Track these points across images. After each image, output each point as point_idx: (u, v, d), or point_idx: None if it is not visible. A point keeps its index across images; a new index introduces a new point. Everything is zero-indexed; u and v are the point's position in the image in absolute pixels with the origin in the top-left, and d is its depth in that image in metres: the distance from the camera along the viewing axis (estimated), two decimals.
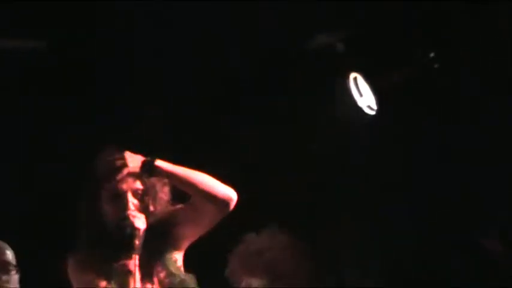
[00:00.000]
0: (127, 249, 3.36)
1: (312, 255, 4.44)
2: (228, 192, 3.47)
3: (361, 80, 5.16)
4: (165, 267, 3.44)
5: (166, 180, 3.50)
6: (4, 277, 4.04)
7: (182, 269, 3.49)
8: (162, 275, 3.42)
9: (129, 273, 3.35)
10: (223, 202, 3.45)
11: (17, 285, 4.03)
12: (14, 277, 4.03)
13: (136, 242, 3.35)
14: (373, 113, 5.16)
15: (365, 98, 5.17)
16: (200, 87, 5.29)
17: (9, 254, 4.09)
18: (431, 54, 4.90)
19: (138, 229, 3.38)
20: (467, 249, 5.20)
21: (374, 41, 5.07)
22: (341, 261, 5.41)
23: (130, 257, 3.36)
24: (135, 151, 3.49)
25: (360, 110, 5.16)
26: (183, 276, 3.44)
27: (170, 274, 3.43)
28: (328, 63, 5.21)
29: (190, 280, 3.46)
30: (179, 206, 3.55)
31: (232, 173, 3.66)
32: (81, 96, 5.28)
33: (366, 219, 5.42)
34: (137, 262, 3.36)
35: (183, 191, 3.51)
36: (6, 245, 4.11)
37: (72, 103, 5.26)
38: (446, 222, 5.22)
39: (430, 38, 4.98)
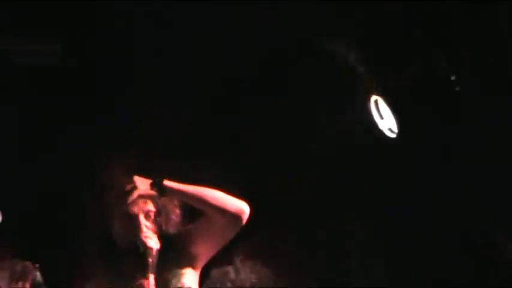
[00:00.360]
0: (142, 269, 3.36)
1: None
2: (240, 206, 3.47)
3: (382, 103, 5.16)
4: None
5: (177, 202, 3.53)
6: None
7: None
8: None
9: None
10: (235, 216, 3.45)
11: None
12: None
13: (150, 260, 3.36)
14: (394, 135, 5.15)
15: (386, 120, 5.18)
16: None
17: (39, 275, 4.12)
18: (453, 78, 4.90)
19: (151, 248, 3.38)
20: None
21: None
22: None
23: (146, 277, 3.36)
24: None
25: (381, 132, 5.16)
26: None
27: None
28: (349, 84, 5.20)
29: None
30: (191, 225, 3.56)
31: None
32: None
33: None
34: (153, 282, 3.35)
35: (194, 209, 3.51)
36: (35, 266, 4.13)
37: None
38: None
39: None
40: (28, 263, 4.20)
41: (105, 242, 3.46)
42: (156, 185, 3.42)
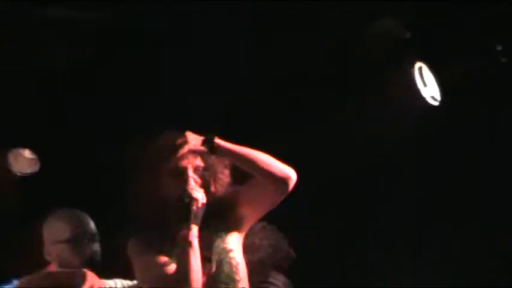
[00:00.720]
0: (185, 219, 3.35)
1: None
2: (288, 172, 3.47)
3: (426, 70, 5.18)
4: (217, 254, 3.46)
5: (226, 163, 3.52)
6: (94, 246, 4.14)
7: (237, 256, 3.51)
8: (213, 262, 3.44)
9: (189, 244, 3.34)
10: (284, 181, 3.44)
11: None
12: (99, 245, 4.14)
13: (194, 210, 3.35)
14: (436, 103, 5.17)
15: (429, 88, 5.18)
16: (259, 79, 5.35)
17: (91, 222, 4.20)
18: (499, 48, 4.87)
19: (197, 199, 3.37)
20: None
21: (437, 29, 5.05)
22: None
23: (189, 228, 3.35)
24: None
25: (424, 100, 5.17)
26: (232, 274, 3.46)
27: (220, 272, 3.45)
28: (393, 51, 5.22)
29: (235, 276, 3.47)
30: (239, 187, 3.56)
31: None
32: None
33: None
34: (196, 233, 3.35)
35: (243, 172, 3.51)
36: (88, 216, 4.21)
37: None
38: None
39: (492, 29, 4.95)
40: (83, 213, 4.26)
41: (154, 199, 3.46)
42: (208, 142, 3.41)
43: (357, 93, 5.40)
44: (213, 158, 3.49)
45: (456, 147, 5.41)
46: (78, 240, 4.12)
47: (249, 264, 3.58)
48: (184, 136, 3.44)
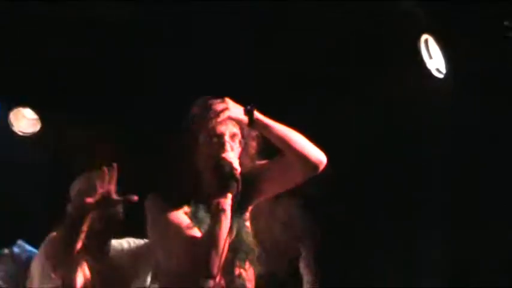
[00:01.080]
0: (224, 188, 3.33)
1: None
2: (321, 156, 3.46)
3: (432, 42, 5.10)
4: (237, 232, 3.44)
5: (255, 135, 3.50)
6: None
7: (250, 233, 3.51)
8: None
9: (223, 211, 3.33)
10: (314, 164, 3.43)
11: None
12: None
13: (235, 181, 3.32)
14: (441, 76, 5.09)
15: (434, 60, 5.11)
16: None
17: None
18: (506, 23, 4.74)
19: (236, 169, 3.36)
20: None
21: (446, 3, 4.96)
22: None
23: (225, 196, 3.34)
24: None
25: (429, 72, 5.10)
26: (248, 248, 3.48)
27: (240, 239, 3.46)
28: (399, 23, 5.15)
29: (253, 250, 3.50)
30: (266, 162, 3.54)
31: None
32: None
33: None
34: (230, 202, 3.33)
35: (273, 147, 3.48)
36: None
37: None
38: None
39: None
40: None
41: (188, 159, 3.44)
42: (248, 112, 3.38)
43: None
44: (246, 129, 3.48)
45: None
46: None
47: (268, 247, 3.58)
48: (224, 102, 3.39)
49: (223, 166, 3.35)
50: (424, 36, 5.12)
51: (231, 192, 3.33)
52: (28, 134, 6.30)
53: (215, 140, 3.43)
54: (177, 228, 3.39)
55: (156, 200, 3.47)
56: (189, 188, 3.44)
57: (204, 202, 3.43)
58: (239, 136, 3.48)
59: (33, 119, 6.30)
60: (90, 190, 3.66)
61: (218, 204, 3.34)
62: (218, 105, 3.37)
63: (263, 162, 3.55)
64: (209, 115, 3.38)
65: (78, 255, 3.68)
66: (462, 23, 4.97)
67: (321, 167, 3.46)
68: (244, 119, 3.39)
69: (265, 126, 3.41)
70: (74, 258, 3.69)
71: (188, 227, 3.39)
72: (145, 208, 3.48)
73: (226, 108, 3.37)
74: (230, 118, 3.39)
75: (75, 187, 4.19)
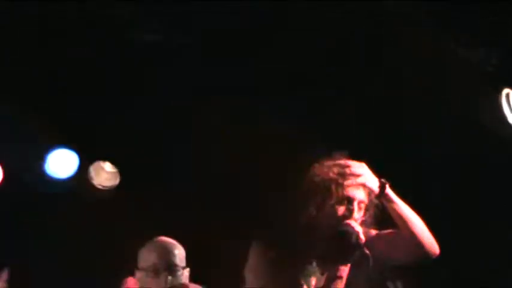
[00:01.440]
0: (346, 256, 3.26)
1: None
2: (435, 246, 3.34)
3: None
4: None
5: (376, 203, 3.36)
6: (170, 278, 4.01)
7: None
8: None
9: (340, 279, 3.27)
10: (427, 250, 3.32)
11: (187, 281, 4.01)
12: (181, 277, 4.02)
13: (358, 251, 3.23)
14: None
15: None
16: None
17: (178, 255, 4.07)
18: None
19: (362, 240, 3.24)
20: None
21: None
22: None
23: (345, 264, 3.27)
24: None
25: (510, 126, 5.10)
26: None
27: None
28: (481, 77, 5.17)
29: None
30: (379, 232, 3.42)
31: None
32: None
33: None
34: (347, 271, 3.27)
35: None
36: (177, 245, 4.10)
37: None
38: None
39: None
40: (174, 243, 4.15)
41: (307, 218, 3.31)
42: (382, 186, 3.28)
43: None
44: (372, 200, 3.37)
45: None
46: (156, 270, 4.03)
47: None
48: (359, 167, 3.31)
49: (349, 234, 3.24)
50: (506, 90, 5.13)
51: (350, 261, 3.26)
52: (107, 188, 6.28)
53: (344, 202, 3.32)
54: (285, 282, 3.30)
55: (264, 247, 3.34)
56: (303, 245, 3.31)
57: (317, 261, 3.32)
58: (365, 205, 3.37)
59: (112, 172, 6.28)
60: None
61: (337, 270, 3.27)
62: (357, 168, 3.30)
63: (377, 232, 3.42)
64: (346, 175, 3.28)
65: None
66: None
67: (432, 257, 3.34)
68: (377, 189, 3.29)
69: (393, 201, 3.31)
70: None
71: (298, 284, 3.29)
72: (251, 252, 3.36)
73: (360, 174, 3.28)
74: (364, 185, 3.30)
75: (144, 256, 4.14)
